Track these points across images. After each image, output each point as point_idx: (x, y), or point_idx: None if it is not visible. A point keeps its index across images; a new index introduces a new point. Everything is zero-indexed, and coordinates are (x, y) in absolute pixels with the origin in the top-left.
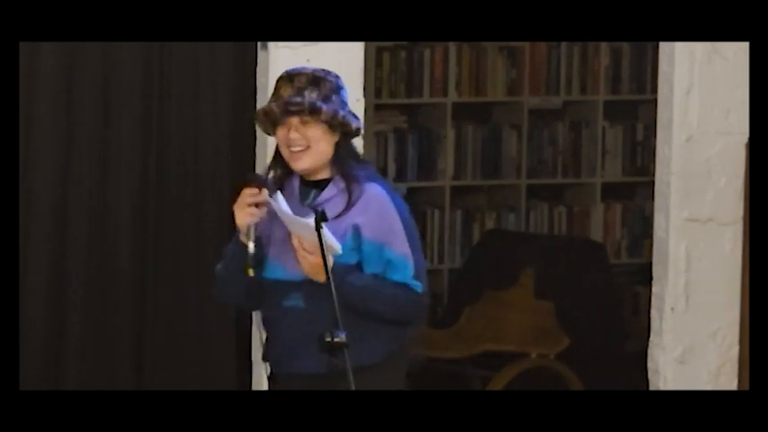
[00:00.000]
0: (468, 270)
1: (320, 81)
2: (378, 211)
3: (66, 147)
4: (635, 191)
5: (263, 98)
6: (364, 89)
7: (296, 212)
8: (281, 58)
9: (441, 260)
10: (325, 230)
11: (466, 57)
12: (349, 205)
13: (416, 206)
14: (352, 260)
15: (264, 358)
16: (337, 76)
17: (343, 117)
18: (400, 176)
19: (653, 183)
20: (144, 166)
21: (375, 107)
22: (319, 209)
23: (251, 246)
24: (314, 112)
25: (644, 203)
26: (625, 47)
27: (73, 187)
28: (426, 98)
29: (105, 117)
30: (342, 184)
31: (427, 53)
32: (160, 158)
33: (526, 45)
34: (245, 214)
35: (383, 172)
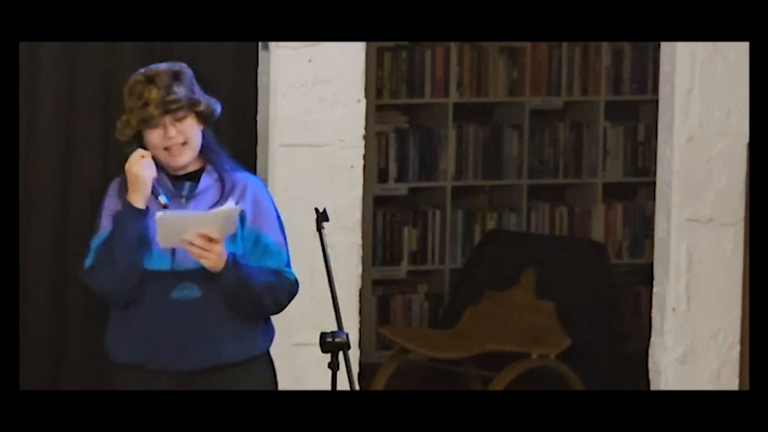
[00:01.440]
0: (470, 270)
1: (180, 75)
2: (254, 199)
3: (66, 147)
4: (636, 191)
5: (264, 98)
6: (365, 89)
7: (172, 206)
8: (282, 58)
9: (442, 261)
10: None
11: (467, 57)
12: (224, 194)
13: (418, 206)
14: (238, 248)
15: (128, 355)
16: (184, 65)
17: (212, 104)
18: (401, 177)
19: (654, 183)
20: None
21: (376, 107)
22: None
23: (162, 199)
24: (194, 105)
25: (645, 204)
26: (626, 47)
27: (73, 187)
28: (427, 98)
29: (106, 117)
30: (215, 175)
31: (428, 53)
32: None
33: (527, 45)
34: (144, 168)
35: (384, 172)
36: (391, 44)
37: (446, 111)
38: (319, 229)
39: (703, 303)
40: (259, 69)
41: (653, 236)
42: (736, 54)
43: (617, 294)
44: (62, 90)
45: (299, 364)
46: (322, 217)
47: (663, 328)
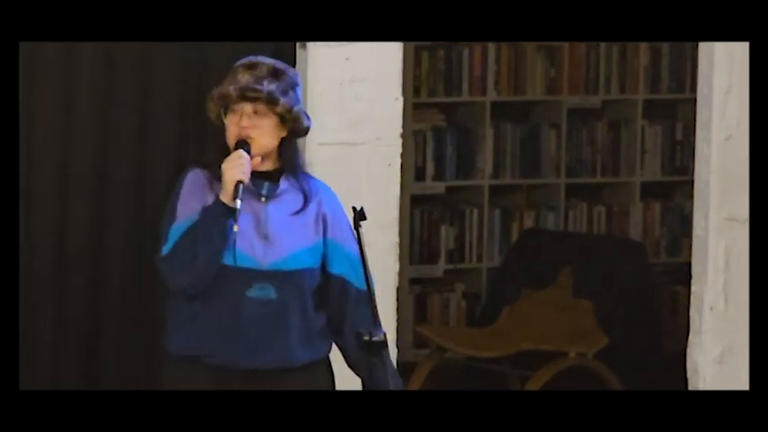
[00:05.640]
0: (507, 269)
1: (280, 74)
2: (332, 208)
3: (104, 146)
4: (674, 190)
5: (302, 97)
6: (403, 88)
7: (253, 204)
8: (320, 56)
9: (479, 259)
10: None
11: (504, 55)
12: (307, 200)
13: (455, 205)
14: (317, 258)
15: (189, 347)
16: (296, 73)
17: (297, 112)
18: (439, 175)
19: (692, 182)
20: (181, 166)
21: (414, 106)
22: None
23: (238, 203)
24: (271, 101)
25: (683, 202)
26: (664, 46)
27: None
28: (465, 97)
29: (142, 119)
30: (291, 179)
31: (466, 52)
32: (198, 157)
33: (565, 44)
34: (237, 172)
35: (422, 171)
36: (428, 42)
37: (484, 109)
38: (357, 227)
39: (741, 302)
40: (297, 68)
41: (691, 235)
42: None
43: (655, 293)
44: (100, 90)
45: (334, 363)
46: (359, 216)
47: (701, 327)
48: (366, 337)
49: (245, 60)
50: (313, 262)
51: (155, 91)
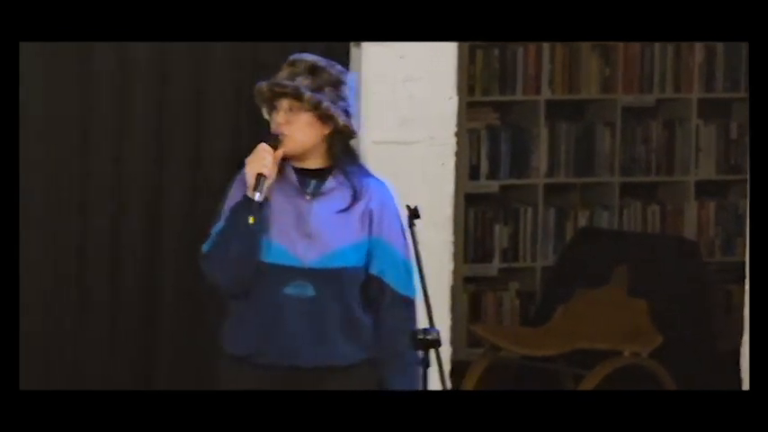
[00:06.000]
0: (562, 268)
1: (318, 71)
2: (381, 205)
3: (158, 147)
4: (729, 189)
5: (356, 95)
6: (457, 86)
7: (298, 201)
8: (374, 55)
9: (533, 258)
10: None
11: (559, 54)
12: (355, 198)
13: (509, 204)
14: (362, 256)
15: (238, 347)
16: (343, 71)
17: (328, 108)
18: (493, 174)
19: (746, 181)
20: (235, 166)
21: (468, 104)
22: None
23: (257, 195)
24: (297, 97)
25: (738, 201)
26: (719, 44)
27: (165, 188)
28: (519, 96)
29: (198, 119)
30: (340, 177)
31: (520, 51)
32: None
33: (620, 42)
34: (258, 165)
35: (476, 169)
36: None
37: (538, 108)
38: (411, 226)
39: None
40: (350, 66)
41: (745, 234)
42: None
43: (709, 293)
44: (154, 86)
45: None
46: (413, 214)
47: None
48: (420, 336)
49: (290, 57)
50: (357, 259)
51: (208, 92)
